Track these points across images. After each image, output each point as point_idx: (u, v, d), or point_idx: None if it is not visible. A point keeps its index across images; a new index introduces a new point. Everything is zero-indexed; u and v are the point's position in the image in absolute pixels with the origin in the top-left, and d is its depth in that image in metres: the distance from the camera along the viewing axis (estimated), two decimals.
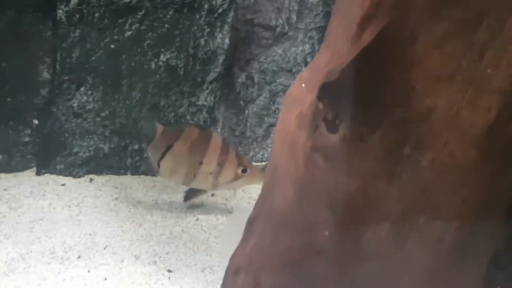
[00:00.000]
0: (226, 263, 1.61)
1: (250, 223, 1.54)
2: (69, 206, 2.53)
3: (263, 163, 3.10)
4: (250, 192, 2.85)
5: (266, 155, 3.16)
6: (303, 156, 1.44)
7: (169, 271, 2.08)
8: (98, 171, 2.88)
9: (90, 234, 2.30)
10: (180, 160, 2.40)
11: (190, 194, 2.52)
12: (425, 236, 1.45)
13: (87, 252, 2.17)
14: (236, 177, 2.40)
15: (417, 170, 1.44)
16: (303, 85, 1.50)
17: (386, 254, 1.48)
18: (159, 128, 2.44)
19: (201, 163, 2.38)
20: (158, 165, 2.42)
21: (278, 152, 1.49)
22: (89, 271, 2.04)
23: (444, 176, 1.43)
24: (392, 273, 1.49)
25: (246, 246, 1.52)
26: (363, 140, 1.44)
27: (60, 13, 2.71)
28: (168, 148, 2.41)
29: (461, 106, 1.40)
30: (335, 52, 1.47)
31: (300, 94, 1.49)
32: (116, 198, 2.66)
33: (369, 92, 1.44)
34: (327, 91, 1.44)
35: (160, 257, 2.17)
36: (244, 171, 2.39)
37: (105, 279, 1.99)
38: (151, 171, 2.51)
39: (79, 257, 2.13)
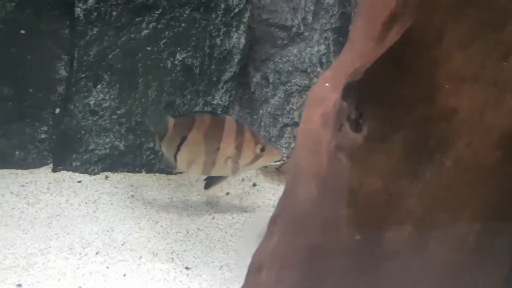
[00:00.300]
0: (245, 261, 1.62)
1: (273, 220, 1.55)
2: (86, 203, 2.55)
3: (278, 163, 3.11)
4: (265, 191, 2.87)
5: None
6: (327, 154, 1.45)
7: (187, 268, 2.09)
8: (114, 168, 2.90)
9: (107, 231, 2.31)
10: (197, 149, 2.36)
11: (211, 181, 2.47)
12: (448, 236, 1.45)
13: (105, 248, 2.18)
14: (256, 157, 2.36)
15: (440, 170, 1.45)
16: (327, 84, 1.51)
17: (408, 253, 1.48)
18: (171, 121, 2.39)
19: (218, 149, 2.34)
20: (175, 159, 2.39)
21: (301, 151, 1.50)
22: (107, 267, 2.05)
23: (467, 176, 1.43)
24: (414, 272, 1.49)
25: (268, 243, 1.53)
26: (387, 139, 1.45)
27: (78, 11, 2.73)
28: (183, 140, 2.37)
29: (486, 106, 1.40)
30: (359, 52, 1.47)
31: (323, 93, 1.50)
32: (132, 196, 2.67)
33: (393, 91, 1.45)
34: (351, 91, 1.45)
35: (177, 254, 2.19)
36: (262, 149, 2.36)
37: (124, 275, 2.00)
38: (168, 168, 2.46)
39: (97, 253, 2.15)
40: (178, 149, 2.38)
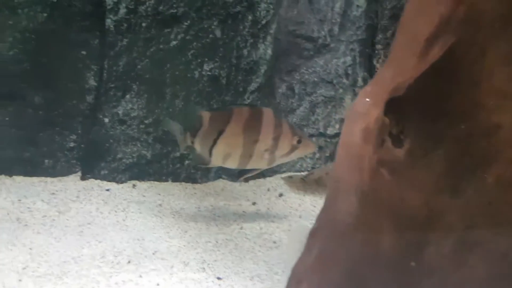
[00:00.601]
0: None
1: (312, 234, 1.56)
2: (116, 211, 2.57)
3: (303, 173, 3.12)
4: (291, 201, 2.88)
5: (304, 165, 3.19)
6: (369, 169, 1.46)
7: (218, 278, 2.10)
8: (141, 177, 2.92)
9: (138, 240, 2.33)
10: (235, 142, 2.32)
11: (246, 174, 2.46)
12: (489, 251, 1.46)
13: (137, 257, 2.20)
14: (292, 149, 2.34)
15: (481, 186, 1.45)
16: (367, 99, 1.52)
17: (448, 269, 1.49)
18: (206, 115, 2.35)
19: (257, 141, 2.31)
20: (209, 154, 2.34)
21: (342, 165, 1.52)
22: (140, 276, 2.07)
23: (509, 193, 1.44)
24: None
25: (308, 257, 1.54)
26: (428, 154, 1.46)
27: (109, 22, 2.77)
28: (220, 133, 2.33)
29: None
30: (400, 67, 1.49)
31: (364, 109, 1.51)
32: (160, 205, 2.69)
33: (435, 107, 1.46)
34: (393, 106, 1.46)
35: (208, 264, 2.20)
36: (299, 141, 2.34)
37: (158, 284, 2.02)
38: (201, 163, 2.40)
39: (129, 262, 2.16)
40: (214, 143, 2.34)
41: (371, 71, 3.07)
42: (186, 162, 2.97)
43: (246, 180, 2.44)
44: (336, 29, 3.05)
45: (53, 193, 2.68)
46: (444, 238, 1.48)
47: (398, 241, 1.48)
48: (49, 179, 2.82)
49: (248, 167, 2.41)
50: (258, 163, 2.38)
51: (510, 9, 1.37)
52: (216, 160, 2.37)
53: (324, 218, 1.56)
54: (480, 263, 1.47)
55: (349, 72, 3.10)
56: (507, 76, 1.41)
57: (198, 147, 2.38)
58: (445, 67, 1.42)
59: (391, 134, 1.47)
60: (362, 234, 1.49)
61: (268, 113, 2.35)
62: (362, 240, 1.50)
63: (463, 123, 1.44)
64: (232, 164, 2.39)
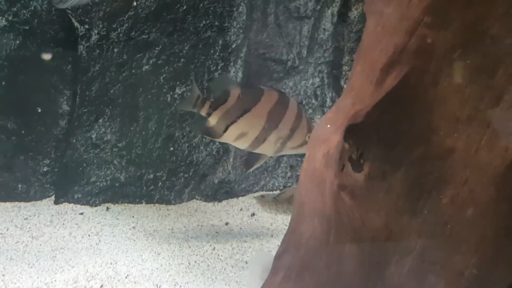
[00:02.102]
0: None
1: (278, 257, 1.61)
2: (89, 235, 2.59)
3: (275, 192, 3.18)
4: (263, 220, 2.93)
5: (276, 184, 3.24)
6: (331, 194, 1.52)
7: None
8: (114, 200, 2.95)
9: (111, 263, 2.36)
10: (257, 124, 2.26)
11: (251, 160, 2.40)
12: (446, 270, 1.52)
13: (110, 281, 2.22)
14: (303, 143, 2.32)
15: (437, 207, 1.53)
16: (329, 125, 1.59)
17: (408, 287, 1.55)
18: (235, 91, 2.26)
19: (276, 128, 2.26)
20: (225, 129, 2.26)
21: (305, 190, 1.58)
22: None
23: (463, 212, 1.51)
24: None
25: (274, 280, 1.59)
26: (387, 178, 1.53)
27: (81, 48, 2.81)
28: (245, 111, 2.25)
29: (480, 146, 1.49)
30: (359, 95, 1.56)
31: (325, 135, 1.58)
32: (134, 227, 2.72)
33: (392, 132, 1.53)
34: (352, 132, 1.53)
35: (180, 286, 2.23)
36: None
37: None
38: (209, 135, 2.29)
39: (101, 286, 2.19)
40: (234, 120, 2.26)
41: (339, 92, 3.16)
42: (160, 184, 3.00)
43: (248, 167, 2.39)
44: (304, 51, 3.13)
45: (26, 218, 2.69)
46: (404, 258, 1.54)
47: (361, 262, 1.54)
48: (22, 204, 2.83)
49: (258, 151, 2.36)
50: (267, 149, 2.33)
51: (461, 42, 1.45)
52: (228, 137, 2.29)
53: (289, 241, 1.61)
54: (438, 282, 1.53)
55: (318, 93, 3.18)
56: (459, 102, 1.49)
57: (213, 120, 2.28)
58: (400, 95, 1.49)
59: (351, 159, 1.53)
60: (326, 257, 1.55)
61: (293, 102, 2.32)
62: (326, 262, 1.55)
63: (419, 147, 1.52)
64: (242, 144, 2.32)
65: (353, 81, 1.59)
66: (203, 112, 2.28)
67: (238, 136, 2.29)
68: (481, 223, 1.50)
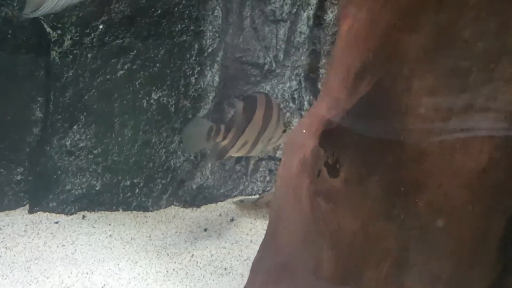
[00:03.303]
0: None
1: (255, 264, 1.60)
2: (64, 245, 2.55)
3: (254, 196, 3.16)
4: (242, 225, 2.91)
5: (255, 188, 3.23)
6: (307, 199, 1.51)
7: None
8: (90, 208, 2.91)
9: (87, 273, 2.32)
10: (255, 131, 2.25)
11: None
12: (423, 273, 1.52)
13: None
14: (279, 139, 2.33)
15: (413, 210, 1.52)
16: (304, 131, 1.57)
17: None
18: (239, 104, 2.24)
19: (265, 129, 2.26)
20: (233, 144, 2.24)
21: (282, 195, 1.56)
22: None
23: (439, 215, 1.51)
24: None
25: (253, 286, 1.57)
26: (363, 182, 1.52)
27: (54, 54, 2.76)
28: (248, 121, 2.23)
29: (454, 150, 1.49)
30: (333, 101, 1.55)
31: (301, 140, 1.57)
32: (110, 235, 2.68)
33: (367, 137, 1.52)
34: (327, 138, 1.52)
35: None
36: (285, 131, 2.35)
37: None
38: (220, 158, 2.28)
39: None
40: (242, 133, 2.24)
41: (316, 95, 3.15)
42: (137, 190, 2.97)
43: (252, 172, 2.37)
44: (281, 55, 3.12)
45: (0, 229, 2.64)
46: (381, 262, 1.54)
47: (339, 267, 1.53)
48: None
49: (252, 154, 2.37)
50: (257, 150, 2.33)
51: (433, 45, 1.45)
52: (234, 150, 2.27)
53: (266, 247, 1.60)
54: (416, 285, 1.53)
55: (295, 96, 3.17)
56: (432, 106, 1.49)
57: (227, 140, 2.25)
58: (374, 100, 1.48)
59: (327, 164, 1.52)
60: (304, 263, 1.53)
61: (275, 101, 2.32)
62: (304, 269, 1.54)
63: (394, 151, 1.51)
64: (242, 152, 2.31)
65: (327, 86, 1.58)
66: (219, 139, 2.25)
67: (240, 146, 2.28)
68: (457, 226, 1.50)
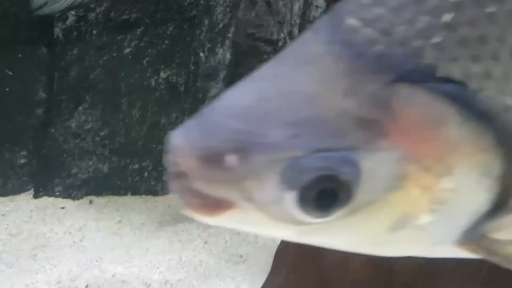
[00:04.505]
0: None
1: (278, 255, 1.48)
2: (71, 231, 2.44)
3: None
4: None
5: None
6: None
7: None
8: (98, 192, 2.79)
9: (96, 261, 2.21)
10: None
11: None
12: None
13: (96, 280, 2.09)
14: None
15: None
16: None
17: None
18: None
19: None
20: None
21: None
22: None
23: None
24: None
25: (275, 280, 1.46)
26: None
27: (57, 30, 2.63)
28: None
29: None
30: None
31: None
32: (119, 221, 2.57)
33: None
34: None
35: (171, 284, 2.11)
36: None
37: None
38: None
39: (87, 286, 2.06)
40: None
41: None
42: (146, 174, 2.86)
43: None
44: (295, 30, 2.98)
45: (3, 214, 2.53)
46: None
47: (367, 257, 1.41)
48: None
49: None
50: None
51: None
52: None
53: None
54: None
55: None
56: None
57: None
58: None
59: None
60: (330, 252, 1.41)
61: None
62: (333, 257, 1.42)
63: None
64: None
65: None
66: None
67: None
68: None
